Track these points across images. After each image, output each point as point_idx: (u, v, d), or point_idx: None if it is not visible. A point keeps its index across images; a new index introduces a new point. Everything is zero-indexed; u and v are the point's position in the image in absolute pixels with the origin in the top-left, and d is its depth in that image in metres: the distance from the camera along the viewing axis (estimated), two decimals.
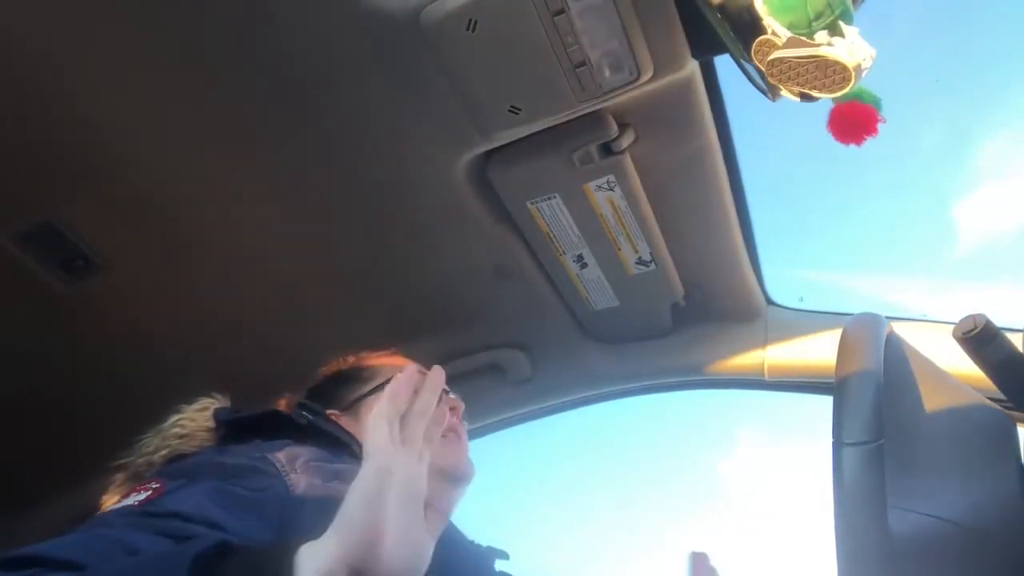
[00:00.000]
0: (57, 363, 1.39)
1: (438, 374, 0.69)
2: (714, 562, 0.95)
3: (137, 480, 0.84)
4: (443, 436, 1.05)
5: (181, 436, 0.90)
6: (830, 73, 0.75)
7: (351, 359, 1.18)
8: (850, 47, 0.74)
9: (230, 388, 1.01)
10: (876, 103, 0.82)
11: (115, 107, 1.04)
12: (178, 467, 0.80)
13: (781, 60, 0.78)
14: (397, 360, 1.17)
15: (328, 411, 1.06)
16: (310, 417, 0.94)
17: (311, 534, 0.73)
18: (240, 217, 1.23)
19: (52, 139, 1.06)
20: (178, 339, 1.41)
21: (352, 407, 1.08)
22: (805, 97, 0.81)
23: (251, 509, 0.72)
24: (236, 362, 1.44)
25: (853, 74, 0.75)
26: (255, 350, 1.45)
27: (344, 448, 0.93)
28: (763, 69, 0.81)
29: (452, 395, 1.13)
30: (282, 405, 1.10)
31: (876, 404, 0.68)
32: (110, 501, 0.79)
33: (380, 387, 1.09)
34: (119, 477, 0.89)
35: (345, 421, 1.05)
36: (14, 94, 1.00)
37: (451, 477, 1.03)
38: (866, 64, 0.75)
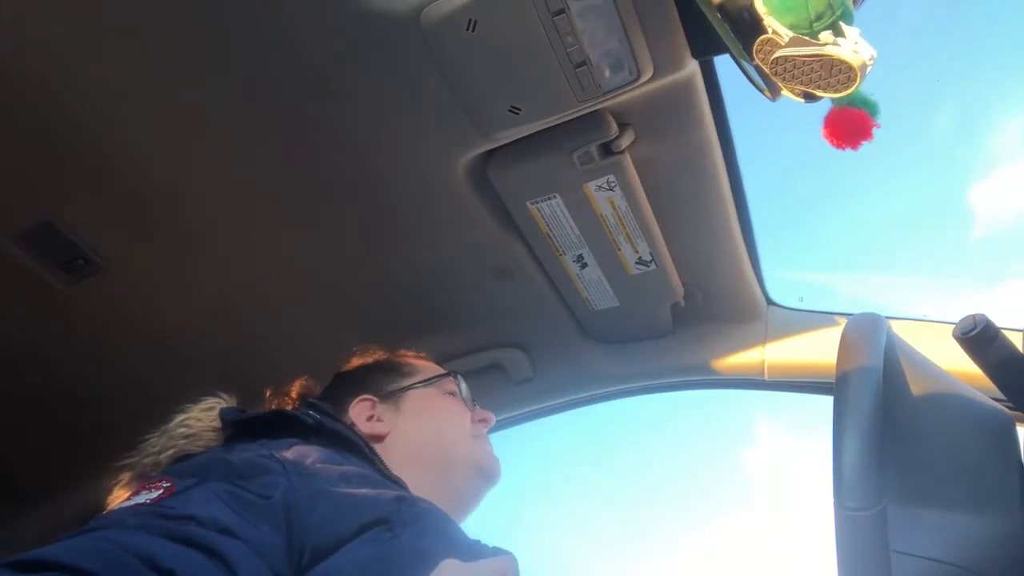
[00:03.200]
0: (57, 363, 1.39)
1: None
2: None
3: (143, 479, 0.84)
4: (476, 437, 1.10)
5: (187, 436, 0.90)
6: (835, 72, 0.75)
7: (382, 352, 1.22)
8: (854, 47, 0.73)
9: (231, 387, 1.01)
10: (872, 108, 0.82)
11: (115, 107, 1.04)
12: (186, 466, 0.80)
13: (785, 59, 0.77)
14: (431, 363, 1.21)
15: (363, 395, 1.08)
16: (317, 417, 0.94)
17: (319, 536, 0.73)
18: (240, 217, 1.23)
19: (52, 139, 1.06)
20: (179, 339, 1.41)
21: (392, 397, 1.10)
22: (809, 97, 0.80)
23: (260, 512, 0.72)
24: (236, 361, 1.43)
25: (859, 73, 0.74)
26: (256, 349, 1.45)
27: (353, 448, 0.92)
28: (766, 68, 0.80)
29: (480, 408, 1.18)
30: (297, 388, 1.11)
31: (876, 406, 0.68)
32: (119, 499, 0.79)
33: (423, 383, 1.13)
34: (125, 477, 0.89)
35: (381, 409, 1.07)
36: (14, 94, 1.00)
37: (485, 475, 1.07)
38: (870, 64, 0.75)
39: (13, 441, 1.47)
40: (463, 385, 1.17)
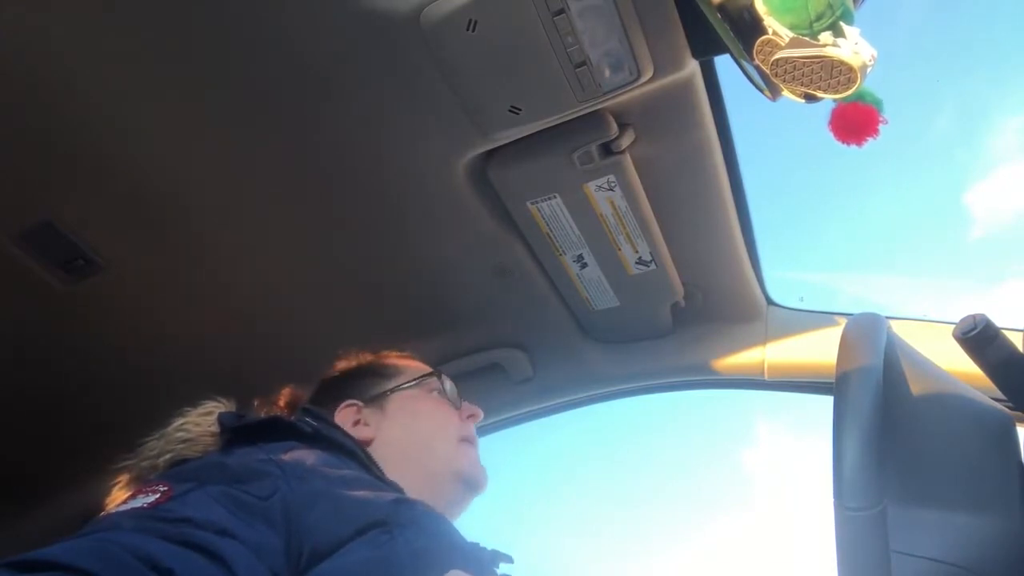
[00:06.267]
0: (57, 364, 1.39)
1: None
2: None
3: (141, 482, 0.84)
4: (462, 442, 1.08)
5: (184, 440, 0.90)
6: (835, 73, 0.75)
7: (367, 355, 1.20)
8: (854, 47, 0.73)
9: (231, 388, 1.01)
10: (878, 104, 0.81)
11: (116, 107, 1.04)
12: (183, 470, 0.80)
13: (785, 60, 0.77)
14: (416, 363, 1.19)
15: (348, 401, 1.07)
16: (314, 424, 0.94)
17: (317, 537, 0.73)
18: (240, 217, 1.23)
19: (52, 139, 1.06)
20: (179, 339, 1.41)
21: (376, 400, 1.09)
22: (809, 98, 0.80)
23: (259, 515, 0.72)
24: (236, 362, 1.44)
25: (859, 74, 0.74)
26: (256, 350, 1.45)
27: (350, 455, 0.92)
28: (766, 70, 0.80)
29: (468, 403, 1.15)
30: (285, 397, 1.10)
31: (875, 406, 0.68)
32: (116, 501, 0.79)
33: (407, 384, 1.11)
34: (122, 479, 0.89)
35: (367, 413, 1.07)
36: (14, 94, 1.00)
37: (468, 483, 1.05)
38: (870, 64, 0.75)
39: (13, 441, 1.47)
40: (448, 384, 1.15)
